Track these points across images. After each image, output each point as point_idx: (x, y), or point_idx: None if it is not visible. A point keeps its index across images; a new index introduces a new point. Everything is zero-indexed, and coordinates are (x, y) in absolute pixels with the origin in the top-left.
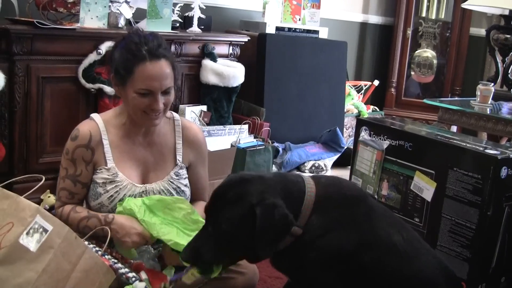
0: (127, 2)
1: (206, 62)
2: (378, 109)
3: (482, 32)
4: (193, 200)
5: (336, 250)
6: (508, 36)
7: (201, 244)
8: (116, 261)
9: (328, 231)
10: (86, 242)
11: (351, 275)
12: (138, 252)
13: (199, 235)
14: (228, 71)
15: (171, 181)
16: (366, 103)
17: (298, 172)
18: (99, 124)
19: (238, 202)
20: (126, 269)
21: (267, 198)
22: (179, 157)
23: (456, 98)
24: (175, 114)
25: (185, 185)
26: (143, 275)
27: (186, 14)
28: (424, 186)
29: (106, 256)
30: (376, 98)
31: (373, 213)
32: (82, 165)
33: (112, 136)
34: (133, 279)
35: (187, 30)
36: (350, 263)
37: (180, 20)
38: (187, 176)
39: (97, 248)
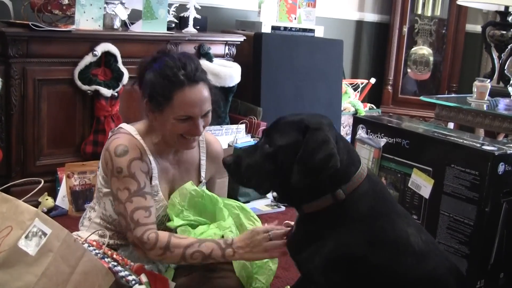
0: (122, 3)
1: (202, 62)
2: (375, 107)
3: (478, 28)
4: None
5: (352, 246)
6: (504, 32)
7: (246, 155)
8: (116, 263)
9: (357, 219)
10: (86, 245)
11: (363, 275)
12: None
13: (250, 147)
14: (224, 71)
15: None
16: (363, 101)
17: None
18: (137, 138)
19: (296, 123)
20: (126, 272)
21: (324, 131)
22: (203, 174)
23: (453, 95)
24: (209, 136)
25: None
26: (144, 278)
27: (182, 14)
28: (422, 183)
29: (106, 259)
30: (373, 96)
31: (398, 216)
32: (142, 176)
33: (151, 152)
34: (133, 282)
35: (183, 31)
36: (362, 263)
37: (175, 20)
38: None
39: (97, 251)
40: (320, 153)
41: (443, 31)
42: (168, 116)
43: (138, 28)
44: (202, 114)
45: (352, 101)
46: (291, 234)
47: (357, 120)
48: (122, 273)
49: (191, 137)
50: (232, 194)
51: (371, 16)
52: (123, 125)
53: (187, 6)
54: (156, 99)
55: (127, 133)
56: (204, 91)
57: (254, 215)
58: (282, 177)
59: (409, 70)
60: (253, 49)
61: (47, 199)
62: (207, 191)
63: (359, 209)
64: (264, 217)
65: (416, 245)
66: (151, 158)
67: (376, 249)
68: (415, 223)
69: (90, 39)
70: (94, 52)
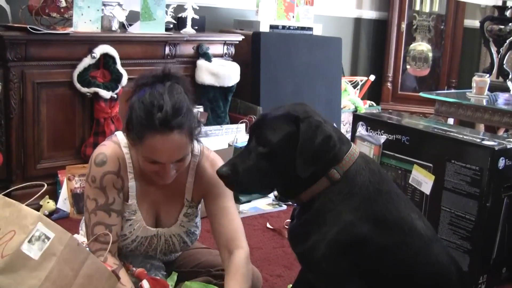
0: (120, 5)
1: (201, 62)
2: (375, 104)
3: (476, 23)
4: (226, 247)
5: (357, 225)
6: (502, 26)
7: (241, 161)
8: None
9: (357, 195)
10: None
11: (368, 259)
12: (145, 264)
13: (241, 153)
14: (223, 71)
15: (182, 225)
16: (362, 99)
17: None
18: (124, 151)
19: (284, 117)
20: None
21: (314, 117)
22: (188, 196)
23: (452, 91)
24: (196, 149)
25: (195, 225)
26: (145, 284)
27: (180, 15)
28: (423, 180)
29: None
30: (373, 93)
31: (398, 197)
32: (113, 192)
33: (135, 170)
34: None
35: (181, 31)
36: (369, 244)
37: (173, 21)
38: (198, 214)
39: None
40: (318, 137)
41: (442, 27)
42: (139, 152)
43: (136, 29)
44: (172, 161)
45: (351, 98)
46: (291, 227)
47: (357, 118)
48: None
49: (161, 178)
50: (234, 194)
51: (369, 13)
52: (118, 134)
53: (185, 7)
54: (130, 131)
55: (116, 143)
56: (178, 140)
57: None
58: (282, 173)
59: (408, 67)
60: (252, 48)
61: (48, 202)
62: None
63: (357, 184)
64: (266, 216)
65: (421, 228)
66: (130, 176)
67: (381, 228)
68: (415, 208)
69: (89, 41)
70: (93, 54)
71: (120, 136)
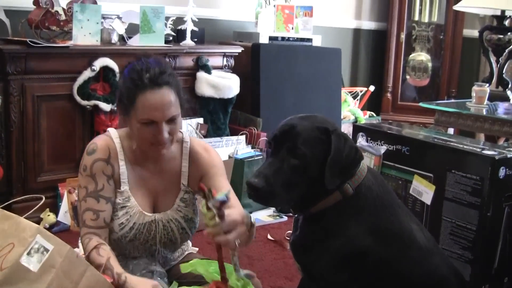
0: (120, 18)
1: (201, 74)
2: (375, 115)
3: (475, 33)
4: None
5: (361, 239)
6: (501, 36)
7: (272, 172)
8: None
9: (365, 210)
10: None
11: (369, 270)
12: (147, 271)
13: (270, 164)
14: (223, 83)
15: (179, 210)
16: (362, 109)
17: None
18: (115, 141)
19: (316, 129)
20: None
21: (338, 129)
22: (184, 181)
23: (452, 100)
24: (185, 135)
25: (194, 212)
26: None
27: (179, 27)
28: (423, 190)
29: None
30: (373, 104)
31: (400, 208)
32: (103, 179)
33: (127, 158)
34: None
35: (181, 43)
36: (370, 256)
37: (173, 33)
38: (195, 202)
39: None
40: (346, 150)
41: (441, 37)
42: (134, 120)
43: (136, 42)
44: (166, 119)
45: (351, 109)
46: (295, 239)
47: (357, 128)
48: None
49: (158, 144)
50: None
51: (368, 24)
52: (110, 129)
53: (184, 19)
54: (122, 102)
55: (108, 136)
56: (167, 96)
57: None
58: (309, 185)
59: (408, 77)
60: (251, 60)
61: (49, 215)
62: None
63: (367, 199)
64: (266, 228)
65: (420, 240)
66: (121, 162)
67: (383, 240)
68: (416, 220)
69: (88, 54)
70: (93, 67)
71: (111, 131)
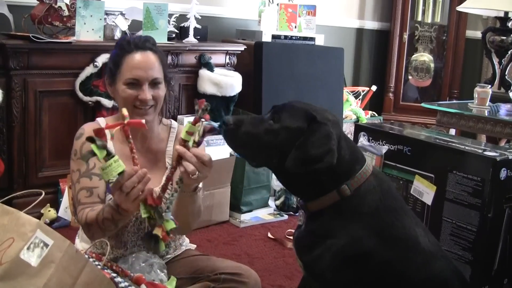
0: (123, 14)
1: (203, 72)
2: (376, 115)
3: (478, 34)
4: None
5: (362, 241)
6: (504, 37)
7: (248, 122)
8: (115, 275)
9: (365, 213)
10: (86, 256)
11: (371, 273)
12: (147, 265)
13: (254, 117)
14: (225, 81)
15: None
16: (364, 109)
17: None
18: (102, 125)
19: (305, 111)
20: (126, 283)
21: (328, 126)
22: (168, 160)
23: (454, 101)
24: (173, 122)
25: None
26: None
27: (182, 24)
28: (424, 190)
29: (106, 270)
30: (374, 104)
31: (406, 213)
32: (92, 159)
33: (115, 136)
34: None
35: (183, 41)
36: (372, 259)
37: (176, 31)
38: None
39: (97, 262)
40: (320, 146)
41: (444, 38)
42: (119, 83)
43: None
44: (149, 79)
45: (353, 108)
46: (298, 235)
47: (359, 128)
48: (122, 284)
49: (141, 106)
50: (235, 203)
51: (371, 24)
52: (98, 118)
53: (187, 16)
54: (110, 69)
55: (95, 122)
56: (151, 58)
57: None
58: (277, 158)
59: (410, 77)
60: (254, 58)
61: (49, 211)
62: None
63: (367, 203)
64: (267, 226)
65: (424, 244)
66: (109, 141)
67: (386, 244)
68: (422, 224)
69: (91, 50)
70: (95, 63)
71: (99, 119)
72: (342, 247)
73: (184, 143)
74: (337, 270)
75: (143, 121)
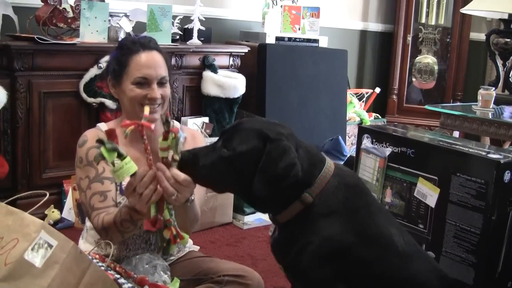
0: (127, 16)
1: (207, 73)
2: (380, 117)
3: (482, 36)
4: None
5: (337, 238)
6: (508, 40)
7: (203, 154)
8: (119, 276)
9: (334, 213)
10: (90, 257)
11: (349, 272)
12: (151, 266)
13: (207, 147)
14: (229, 82)
15: None
16: (368, 111)
17: None
18: (103, 130)
19: (256, 132)
20: (129, 284)
21: (284, 141)
22: None
23: (458, 104)
24: (176, 122)
25: None
26: None
27: (186, 26)
28: (428, 192)
29: (110, 271)
30: (378, 106)
31: (379, 211)
32: (101, 163)
33: (118, 139)
34: None
35: (187, 42)
36: (349, 255)
37: (180, 32)
38: None
39: (100, 263)
40: (282, 162)
41: (447, 40)
42: (126, 83)
43: None
44: (158, 78)
45: (357, 110)
46: (274, 239)
47: (362, 130)
48: (126, 286)
49: (150, 104)
50: (238, 204)
51: (375, 26)
52: (99, 124)
53: (191, 18)
54: (114, 70)
55: (96, 128)
56: (159, 58)
57: None
58: (241, 183)
59: (413, 79)
60: (258, 60)
61: (53, 212)
62: None
63: (333, 203)
64: (268, 227)
65: (399, 245)
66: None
67: (361, 242)
68: (396, 223)
69: (95, 52)
70: (99, 65)
71: (100, 124)
72: (317, 246)
73: (163, 160)
74: (317, 267)
75: (153, 126)
